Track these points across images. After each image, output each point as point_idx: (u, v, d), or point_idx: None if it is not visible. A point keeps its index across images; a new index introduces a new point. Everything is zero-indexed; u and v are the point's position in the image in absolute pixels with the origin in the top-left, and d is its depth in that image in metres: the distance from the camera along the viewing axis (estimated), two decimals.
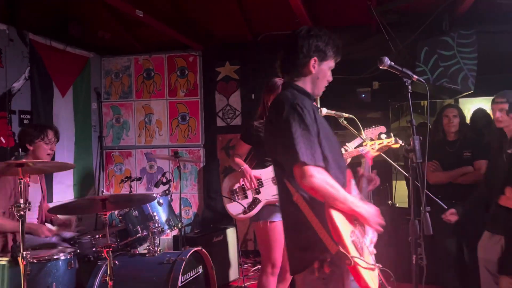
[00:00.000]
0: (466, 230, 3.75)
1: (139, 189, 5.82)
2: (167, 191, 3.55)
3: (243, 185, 3.18)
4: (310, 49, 1.99)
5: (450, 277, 3.85)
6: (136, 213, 3.31)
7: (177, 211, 4.33)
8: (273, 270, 3.10)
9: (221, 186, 3.33)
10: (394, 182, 5.44)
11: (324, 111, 3.60)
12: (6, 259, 2.84)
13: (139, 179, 4.18)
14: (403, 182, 5.06)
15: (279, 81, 3.23)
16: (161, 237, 4.14)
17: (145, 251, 3.25)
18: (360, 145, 3.31)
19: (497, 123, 3.19)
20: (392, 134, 3.09)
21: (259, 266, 4.95)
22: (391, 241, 4.65)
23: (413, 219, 2.18)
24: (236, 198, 3.18)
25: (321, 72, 2.05)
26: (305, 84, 2.05)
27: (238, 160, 3.21)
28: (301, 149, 1.80)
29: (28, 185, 3.43)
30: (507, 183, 2.99)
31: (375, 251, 2.02)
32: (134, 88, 5.99)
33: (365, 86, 5.42)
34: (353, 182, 2.10)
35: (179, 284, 2.89)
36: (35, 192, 3.54)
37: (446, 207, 3.26)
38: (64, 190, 5.20)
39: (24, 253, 2.47)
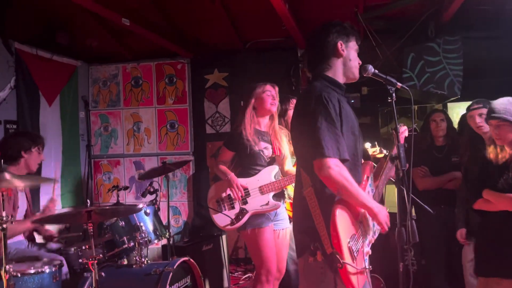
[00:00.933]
0: (455, 233, 3.76)
1: (128, 197, 5.77)
2: (154, 201, 3.52)
3: (229, 194, 3.12)
4: (333, 35, 2.10)
5: (439, 281, 3.85)
6: (122, 223, 3.27)
7: (165, 220, 4.30)
8: (268, 278, 3.03)
9: (208, 192, 3.27)
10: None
11: None
12: None
13: (126, 188, 4.15)
14: (393, 186, 5.08)
15: (259, 86, 3.21)
16: (150, 246, 4.10)
17: (132, 262, 3.21)
18: None
19: (481, 129, 3.21)
20: (376, 143, 3.10)
21: (250, 274, 4.92)
22: (380, 246, 4.65)
23: (399, 227, 2.18)
24: (223, 208, 3.13)
25: (350, 53, 2.13)
26: (336, 72, 2.13)
27: (224, 168, 3.17)
28: (326, 143, 1.87)
29: (17, 193, 3.42)
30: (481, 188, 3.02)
31: (370, 252, 2.09)
32: (122, 96, 5.96)
33: (354, 92, 5.44)
34: (371, 177, 2.15)
35: None
36: (22, 200, 3.50)
37: (433, 212, 3.26)
38: (56, 201, 5.13)
39: (7, 266, 2.43)
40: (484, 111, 3.17)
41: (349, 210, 1.96)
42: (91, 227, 2.65)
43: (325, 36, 2.10)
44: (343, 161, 1.92)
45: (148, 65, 5.89)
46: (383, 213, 2.00)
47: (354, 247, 1.92)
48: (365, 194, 1.99)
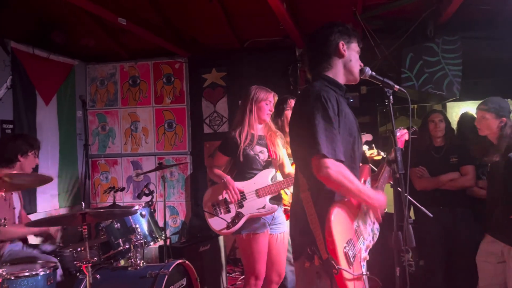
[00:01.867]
0: (454, 236, 3.74)
1: (126, 197, 5.75)
2: (150, 202, 3.50)
3: (225, 198, 3.09)
4: (335, 36, 2.08)
5: (437, 283, 3.83)
6: (118, 225, 3.25)
7: (162, 221, 4.28)
8: (257, 282, 3.05)
9: (204, 196, 3.24)
10: None
11: None
12: None
13: (122, 189, 4.13)
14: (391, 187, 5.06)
15: (263, 87, 3.19)
16: (146, 247, 4.08)
17: (128, 264, 3.19)
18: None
19: (479, 132, 3.19)
20: (373, 145, 3.07)
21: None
22: (378, 247, 4.63)
23: (396, 230, 2.15)
24: (219, 212, 3.10)
25: (351, 54, 2.12)
26: (338, 72, 2.11)
27: (219, 171, 3.14)
28: (322, 141, 1.84)
29: (12, 193, 3.40)
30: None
31: (367, 257, 2.07)
32: (120, 96, 5.93)
33: (353, 91, 5.42)
34: (368, 180, 2.14)
35: None
36: (16, 200, 3.48)
37: (431, 215, 3.24)
38: (48, 200, 5.12)
39: (0, 270, 2.41)
40: (487, 115, 3.14)
41: (346, 215, 1.93)
42: (86, 230, 2.63)
43: (327, 36, 2.08)
44: (338, 162, 1.89)
45: (145, 64, 5.86)
46: (383, 204, 2.03)
47: (351, 252, 1.89)
48: (367, 189, 1.97)
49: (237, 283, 4.84)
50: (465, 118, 4.74)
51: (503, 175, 2.97)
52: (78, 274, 3.12)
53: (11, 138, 3.58)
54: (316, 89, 1.96)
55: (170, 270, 2.95)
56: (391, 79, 2.24)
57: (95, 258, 3.09)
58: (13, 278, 2.65)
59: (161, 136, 5.83)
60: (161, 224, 3.99)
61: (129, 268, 3.11)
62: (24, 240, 3.54)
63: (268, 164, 3.17)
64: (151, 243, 3.41)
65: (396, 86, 2.21)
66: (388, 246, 4.01)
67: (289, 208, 3.43)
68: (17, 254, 3.29)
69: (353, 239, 1.94)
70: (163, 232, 3.51)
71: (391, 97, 2.20)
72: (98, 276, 2.89)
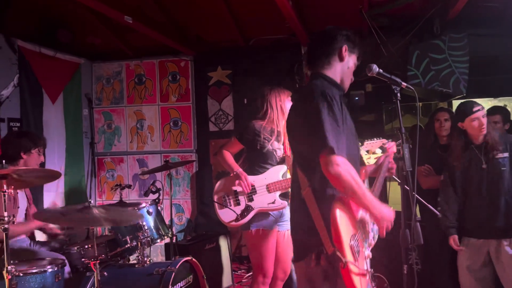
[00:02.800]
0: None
1: (132, 195, 5.77)
2: (156, 200, 3.51)
3: (235, 190, 3.11)
4: (342, 37, 2.09)
5: (443, 281, 3.82)
6: None
7: (168, 218, 4.29)
8: (264, 280, 3.06)
9: (215, 187, 3.26)
10: (388, 183, 5.42)
11: None
12: None
13: (129, 186, 4.13)
14: (398, 185, 5.04)
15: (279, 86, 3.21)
16: (153, 245, 4.10)
17: (135, 262, 3.20)
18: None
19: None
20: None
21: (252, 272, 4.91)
22: (385, 245, 4.62)
23: (403, 228, 2.15)
24: (228, 203, 3.12)
25: (350, 62, 2.13)
26: (336, 73, 2.10)
27: (231, 159, 3.14)
28: (330, 135, 1.82)
29: (17, 192, 3.41)
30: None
31: (371, 255, 2.04)
32: (126, 94, 5.95)
33: (358, 89, 5.40)
34: (366, 182, 2.13)
35: None
36: (21, 198, 3.50)
37: (439, 214, 3.23)
38: (54, 198, 5.14)
39: (9, 267, 2.42)
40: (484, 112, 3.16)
41: (347, 211, 1.92)
42: (93, 228, 2.65)
43: (334, 35, 2.09)
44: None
45: (151, 62, 5.87)
46: (386, 219, 1.95)
47: (356, 247, 1.88)
48: (371, 196, 1.92)
49: (243, 280, 4.85)
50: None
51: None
52: (85, 271, 3.14)
53: (15, 135, 3.60)
54: (319, 87, 1.96)
55: (177, 267, 2.97)
56: (397, 77, 2.24)
57: (103, 255, 3.10)
58: (21, 275, 2.67)
59: (166, 134, 5.84)
60: (167, 222, 4.01)
61: (136, 265, 3.13)
62: (32, 237, 3.56)
63: (282, 161, 3.18)
64: (158, 241, 3.42)
65: (404, 83, 2.21)
66: (394, 243, 4.01)
67: None
68: (24, 250, 3.31)
69: (357, 235, 1.93)
70: (169, 230, 3.52)
71: (398, 94, 2.20)
72: (105, 273, 2.91)
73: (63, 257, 3.19)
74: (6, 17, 4.50)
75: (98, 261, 2.57)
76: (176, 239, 4.44)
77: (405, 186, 2.16)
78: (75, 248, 3.32)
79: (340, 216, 1.82)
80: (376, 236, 2.16)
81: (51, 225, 3.73)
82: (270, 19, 4.86)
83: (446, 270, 3.83)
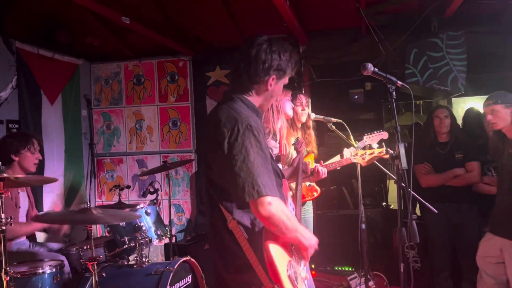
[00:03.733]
0: (460, 232, 3.73)
1: (131, 196, 5.78)
2: (154, 200, 3.51)
3: None
4: (271, 67, 1.89)
5: (443, 278, 3.83)
6: (123, 223, 3.26)
7: (167, 219, 4.29)
8: None
9: None
10: (387, 182, 5.43)
11: (313, 116, 3.58)
12: None
13: (128, 187, 4.14)
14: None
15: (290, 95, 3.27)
16: (152, 245, 4.10)
17: (133, 262, 3.21)
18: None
19: (494, 126, 3.17)
20: (383, 144, 3.06)
21: None
22: (384, 243, 4.63)
23: (400, 227, 2.16)
24: None
25: (276, 90, 1.98)
26: (256, 99, 1.95)
27: None
28: (262, 181, 1.68)
29: (18, 192, 3.42)
30: None
31: (308, 277, 1.97)
32: (125, 94, 5.95)
33: (358, 87, 5.40)
34: (289, 195, 2.10)
35: None
36: (23, 199, 3.50)
37: (436, 211, 3.23)
38: (54, 199, 5.15)
39: (7, 268, 2.43)
40: (496, 107, 3.12)
41: (280, 238, 1.79)
42: (91, 229, 2.65)
43: (263, 62, 1.88)
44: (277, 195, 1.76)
45: (149, 63, 5.87)
46: (312, 245, 1.85)
47: (293, 274, 1.78)
48: (302, 229, 1.80)
49: None
50: (470, 114, 4.72)
51: None
52: (84, 272, 3.14)
53: (3, 138, 3.59)
54: (243, 116, 1.78)
55: (175, 267, 2.97)
56: (395, 75, 2.24)
57: (101, 256, 3.11)
58: (19, 276, 2.68)
59: (165, 134, 5.84)
60: (166, 222, 4.01)
61: (135, 266, 3.13)
62: (31, 238, 3.57)
63: (277, 160, 3.18)
64: (156, 241, 3.42)
65: (399, 82, 2.21)
66: (393, 241, 4.02)
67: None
68: (24, 252, 3.32)
69: (292, 260, 1.82)
70: (168, 230, 3.52)
71: (394, 93, 2.20)
72: (104, 274, 2.92)
73: (63, 258, 3.20)
74: (4, 19, 4.51)
75: (96, 262, 2.57)
76: (176, 239, 4.44)
77: (402, 184, 2.17)
78: (74, 249, 3.33)
79: (274, 249, 1.70)
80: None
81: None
82: (268, 19, 4.84)
83: (445, 268, 3.83)
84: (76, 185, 5.56)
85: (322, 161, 3.12)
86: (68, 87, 5.50)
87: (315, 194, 3.59)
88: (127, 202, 5.37)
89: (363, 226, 3.29)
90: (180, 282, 3.09)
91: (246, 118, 1.77)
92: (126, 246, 3.22)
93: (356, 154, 3.10)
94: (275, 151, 3.14)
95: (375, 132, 3.36)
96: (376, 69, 2.20)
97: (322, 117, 3.53)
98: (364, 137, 3.35)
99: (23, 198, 3.52)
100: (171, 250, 3.86)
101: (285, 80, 2.00)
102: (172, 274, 2.91)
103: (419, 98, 5.68)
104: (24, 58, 4.78)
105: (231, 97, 1.93)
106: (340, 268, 4.76)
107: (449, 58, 4.23)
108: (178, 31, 5.26)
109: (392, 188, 5.31)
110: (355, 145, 3.28)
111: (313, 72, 5.25)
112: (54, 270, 2.83)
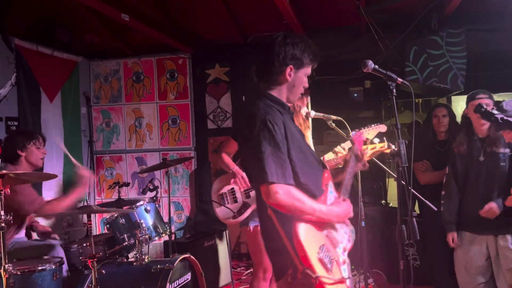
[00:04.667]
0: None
1: (130, 193, 5.78)
2: (154, 198, 3.51)
3: (232, 188, 3.11)
4: (286, 57, 1.98)
5: (442, 276, 3.83)
6: (122, 220, 3.26)
7: (167, 216, 4.29)
8: (265, 275, 3.05)
9: (212, 186, 3.27)
10: (387, 180, 5.43)
11: (312, 113, 3.56)
12: None
13: (127, 184, 4.13)
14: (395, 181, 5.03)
15: None
16: (152, 242, 4.10)
17: (133, 259, 3.21)
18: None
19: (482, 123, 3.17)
20: (385, 138, 3.05)
21: (252, 270, 4.92)
22: (383, 241, 4.63)
23: (399, 224, 2.15)
24: (226, 201, 3.13)
25: (297, 80, 2.05)
26: (281, 92, 2.05)
27: (228, 159, 3.13)
28: (270, 168, 1.79)
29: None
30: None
31: (347, 261, 2.00)
32: (124, 92, 5.94)
33: (357, 86, 5.40)
34: (331, 185, 2.10)
35: None
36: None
37: (436, 209, 3.23)
38: (53, 197, 5.14)
39: (6, 265, 2.42)
40: (489, 102, 3.13)
41: (312, 224, 1.87)
42: (91, 225, 2.65)
43: (278, 54, 1.98)
44: (289, 185, 1.83)
45: (149, 60, 5.87)
46: (343, 216, 1.96)
47: (326, 258, 1.84)
48: (321, 207, 1.88)
49: (242, 277, 4.86)
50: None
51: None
52: (83, 269, 3.14)
53: (8, 136, 3.59)
54: (262, 112, 1.91)
55: (175, 265, 2.97)
56: (395, 73, 2.23)
57: (101, 253, 3.10)
58: (19, 273, 2.68)
59: (165, 132, 5.84)
60: (166, 219, 4.01)
61: (134, 263, 3.13)
62: (28, 236, 3.56)
63: None
64: (156, 238, 3.42)
65: (399, 79, 2.21)
66: (392, 238, 4.01)
67: None
68: (20, 244, 3.31)
69: (325, 245, 1.89)
70: (167, 227, 3.52)
71: (394, 90, 2.20)
72: (103, 271, 2.92)
73: (62, 255, 3.19)
74: (3, 16, 4.50)
75: (96, 259, 2.57)
76: (175, 236, 4.45)
77: (402, 182, 2.16)
78: (74, 246, 3.33)
79: (303, 232, 1.79)
80: (352, 238, 2.12)
81: (42, 223, 3.72)
82: (268, 16, 4.85)
83: (444, 265, 3.83)
84: (75, 182, 5.54)
85: (325, 157, 3.12)
86: (68, 85, 5.50)
87: None
88: (126, 200, 5.37)
89: (363, 223, 3.29)
90: (179, 279, 3.10)
91: (264, 114, 1.90)
92: (126, 243, 3.22)
93: None
94: None
95: (373, 125, 3.32)
96: (376, 66, 2.19)
97: (322, 114, 3.52)
98: (362, 130, 3.31)
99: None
100: (170, 248, 3.86)
101: (307, 70, 2.07)
102: (171, 271, 2.91)
103: (418, 96, 5.68)
104: (23, 55, 4.78)
105: (259, 95, 2.07)
106: None
107: (449, 56, 4.23)
108: (178, 29, 5.25)
109: (392, 186, 5.31)
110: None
111: (312, 70, 5.24)
112: (53, 267, 2.82)
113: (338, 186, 2.19)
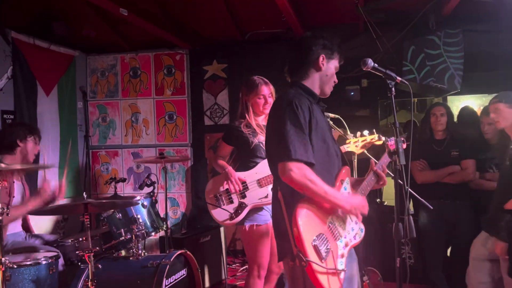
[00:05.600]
0: (455, 228, 3.76)
1: (126, 189, 5.77)
2: (151, 193, 3.51)
3: (227, 188, 3.06)
4: (318, 47, 2.10)
5: (437, 276, 3.86)
6: (119, 215, 3.26)
7: (163, 212, 4.29)
8: (260, 273, 3.06)
9: (206, 187, 3.21)
10: None
11: None
12: None
13: (123, 180, 4.13)
14: (391, 180, 5.06)
15: (257, 79, 3.18)
16: (147, 238, 4.10)
17: (129, 254, 3.21)
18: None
19: (496, 125, 3.19)
20: (374, 130, 3.06)
21: (247, 266, 4.93)
22: (378, 239, 4.66)
23: (396, 222, 2.17)
24: (221, 203, 3.07)
25: (329, 70, 2.14)
26: (314, 83, 2.14)
27: (222, 162, 3.13)
28: (291, 146, 1.88)
29: (13, 182, 3.41)
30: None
31: (345, 255, 2.04)
32: (121, 87, 5.92)
33: (354, 84, 5.41)
34: (347, 180, 2.14)
35: (163, 287, 2.86)
36: (18, 189, 3.49)
37: (432, 207, 3.26)
38: (51, 182, 5.12)
39: (2, 258, 2.42)
40: (499, 106, 3.14)
41: (315, 210, 1.95)
42: (88, 220, 2.65)
43: (310, 45, 2.11)
44: (309, 164, 1.92)
45: (146, 55, 5.85)
46: (356, 207, 2.02)
47: (322, 246, 1.89)
48: (333, 191, 1.96)
49: (237, 274, 4.87)
50: (464, 112, 4.74)
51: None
52: (79, 264, 3.14)
53: (9, 125, 3.59)
54: (290, 96, 2.01)
55: (171, 260, 2.98)
56: (392, 72, 2.25)
57: (97, 248, 3.10)
58: (15, 267, 2.67)
59: (161, 127, 5.83)
60: (162, 215, 4.01)
61: (131, 258, 3.13)
62: (28, 229, 3.55)
63: None
64: (152, 234, 3.42)
65: (399, 78, 2.22)
66: (387, 237, 4.03)
67: None
68: (19, 244, 3.31)
69: (325, 234, 1.95)
70: (164, 223, 3.52)
71: (393, 89, 2.21)
72: (99, 265, 2.91)
73: (57, 251, 3.18)
74: (0, 8, 4.46)
75: (92, 253, 2.57)
76: (171, 232, 4.45)
77: (399, 181, 2.18)
78: (69, 240, 3.32)
79: (303, 217, 1.86)
80: (360, 237, 2.16)
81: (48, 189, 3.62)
82: (266, 13, 4.85)
83: (439, 264, 3.87)
84: (71, 177, 5.53)
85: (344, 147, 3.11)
86: (64, 79, 5.47)
87: None
88: (122, 195, 5.37)
89: None
90: (176, 274, 3.10)
91: (292, 97, 1.99)
92: (123, 238, 3.22)
93: (349, 143, 3.09)
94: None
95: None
96: (376, 65, 2.20)
97: None
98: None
99: (18, 188, 3.50)
100: (167, 243, 3.87)
101: (336, 62, 2.16)
102: (168, 266, 2.92)
103: (414, 96, 5.70)
104: (20, 48, 4.75)
105: (290, 85, 2.16)
106: None
107: (447, 56, 4.25)
108: (176, 24, 5.24)
109: (387, 185, 5.33)
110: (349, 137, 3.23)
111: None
112: (50, 261, 2.82)
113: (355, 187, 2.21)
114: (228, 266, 4.77)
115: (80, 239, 3.29)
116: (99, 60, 5.95)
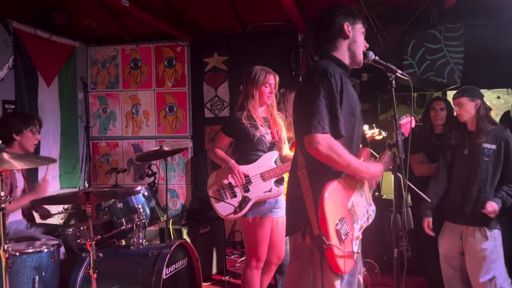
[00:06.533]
0: None
1: (126, 179, 5.79)
2: (152, 183, 3.53)
3: (230, 182, 3.05)
4: (339, 17, 2.12)
5: (433, 268, 3.89)
6: (120, 205, 3.29)
7: (163, 203, 4.32)
8: (258, 264, 3.09)
9: (208, 180, 3.19)
10: None
11: None
12: None
13: (124, 170, 4.15)
14: (390, 173, 5.07)
15: (265, 68, 3.18)
16: (147, 228, 4.13)
17: (130, 243, 3.24)
18: None
19: (459, 118, 3.29)
20: (374, 125, 3.09)
21: (245, 257, 4.97)
22: (376, 232, 4.70)
23: (395, 213, 2.19)
24: (225, 197, 3.04)
25: (357, 35, 2.16)
26: (343, 54, 2.16)
27: (222, 153, 3.12)
28: (322, 117, 1.89)
29: (15, 173, 3.42)
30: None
31: (360, 236, 2.13)
32: (121, 78, 5.93)
33: (354, 78, 5.41)
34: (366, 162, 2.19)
35: (163, 276, 2.90)
36: (19, 179, 3.51)
37: (430, 200, 3.29)
38: (49, 181, 5.13)
39: (5, 246, 2.45)
40: (463, 100, 3.23)
41: (340, 193, 1.99)
42: (89, 208, 2.67)
43: (331, 18, 2.12)
44: (339, 137, 1.95)
45: (147, 47, 5.85)
46: (375, 176, 2.12)
47: (342, 230, 1.94)
48: (356, 161, 2.01)
49: (236, 265, 4.91)
50: None
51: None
52: (80, 252, 3.17)
53: (5, 117, 3.56)
54: (323, 65, 2.00)
55: (172, 249, 3.00)
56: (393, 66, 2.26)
57: (99, 236, 3.13)
58: (18, 254, 2.70)
59: (162, 119, 5.85)
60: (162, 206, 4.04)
61: (131, 247, 3.16)
62: (30, 218, 3.57)
63: (272, 146, 3.17)
64: (153, 224, 3.45)
65: (399, 71, 2.24)
66: (385, 229, 4.06)
67: None
68: (21, 233, 3.34)
69: (346, 218, 2.00)
70: (165, 213, 3.55)
71: (393, 81, 2.23)
72: (100, 254, 2.94)
73: (58, 240, 3.21)
74: None
75: (94, 242, 2.60)
76: (171, 223, 4.48)
77: (397, 173, 2.20)
78: (70, 229, 3.35)
79: (329, 200, 1.89)
80: (371, 219, 2.22)
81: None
82: (267, 5, 4.84)
83: (436, 257, 3.90)
84: (71, 167, 5.55)
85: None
86: (65, 69, 5.47)
87: None
88: (123, 186, 5.39)
89: None
90: (176, 263, 3.13)
91: (325, 66, 1.99)
92: (124, 227, 3.25)
93: None
94: (268, 138, 3.11)
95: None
96: (377, 58, 2.22)
97: None
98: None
99: (20, 179, 3.53)
100: (166, 234, 3.90)
101: (360, 26, 2.18)
102: (168, 255, 2.95)
103: (414, 90, 5.71)
104: (21, 38, 4.74)
105: (321, 56, 2.17)
106: None
107: (447, 50, 4.26)
108: (177, 16, 5.23)
109: (386, 178, 5.35)
110: None
111: (311, 61, 5.26)
112: (52, 249, 2.85)
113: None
114: (226, 257, 4.81)
115: (81, 228, 3.32)
116: (100, 51, 5.95)
